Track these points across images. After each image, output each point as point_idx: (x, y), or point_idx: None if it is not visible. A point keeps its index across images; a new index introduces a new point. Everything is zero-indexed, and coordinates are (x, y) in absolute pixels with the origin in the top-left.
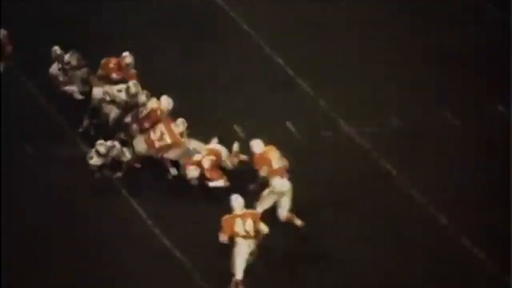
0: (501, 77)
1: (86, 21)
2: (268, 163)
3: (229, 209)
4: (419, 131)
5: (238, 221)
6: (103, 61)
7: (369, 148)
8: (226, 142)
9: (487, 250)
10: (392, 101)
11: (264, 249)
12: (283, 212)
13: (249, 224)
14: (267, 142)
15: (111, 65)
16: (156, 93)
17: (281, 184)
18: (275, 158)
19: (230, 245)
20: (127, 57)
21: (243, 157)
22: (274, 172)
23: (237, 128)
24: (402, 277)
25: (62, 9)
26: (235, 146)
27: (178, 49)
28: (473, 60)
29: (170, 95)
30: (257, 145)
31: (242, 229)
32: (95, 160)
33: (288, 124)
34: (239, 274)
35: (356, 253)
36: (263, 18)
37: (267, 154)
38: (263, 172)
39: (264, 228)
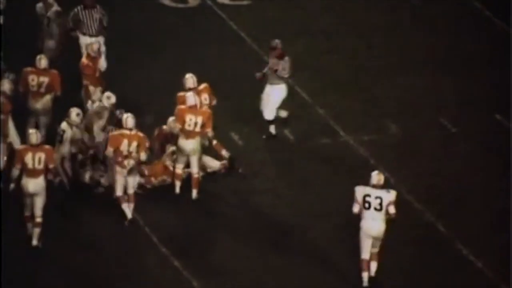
0: (500, 85)
1: None
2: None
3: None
4: (417, 139)
5: (125, 141)
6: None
7: (367, 156)
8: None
9: (485, 259)
10: (390, 109)
11: None
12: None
13: (134, 146)
14: (264, 150)
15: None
16: (155, 97)
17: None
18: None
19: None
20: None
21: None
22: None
23: (234, 136)
24: (399, 286)
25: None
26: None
27: (177, 55)
28: (472, 68)
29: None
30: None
31: (126, 149)
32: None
33: (286, 132)
34: (118, 191)
35: (353, 261)
36: (261, 26)
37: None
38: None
39: (143, 156)
